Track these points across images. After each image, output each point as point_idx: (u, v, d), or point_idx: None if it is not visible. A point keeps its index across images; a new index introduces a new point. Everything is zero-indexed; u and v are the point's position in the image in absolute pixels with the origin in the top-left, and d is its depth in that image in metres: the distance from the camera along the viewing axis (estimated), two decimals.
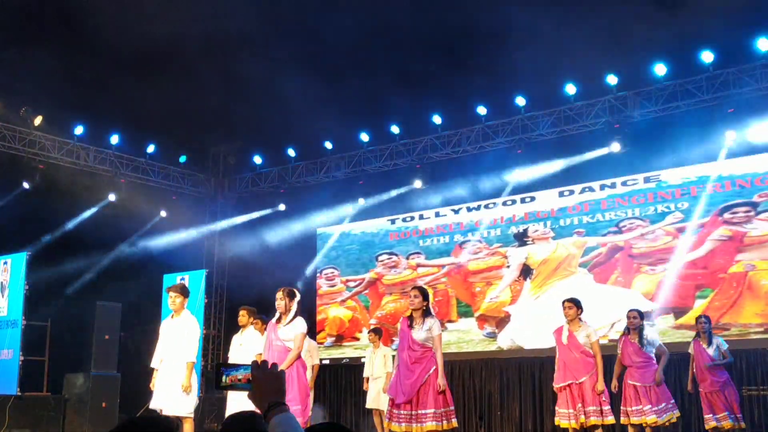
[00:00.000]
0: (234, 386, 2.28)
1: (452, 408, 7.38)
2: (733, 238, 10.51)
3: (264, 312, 8.89)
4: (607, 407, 7.93)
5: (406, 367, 7.34)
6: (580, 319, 8.20)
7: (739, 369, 9.94)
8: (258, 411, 2.20)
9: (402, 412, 7.22)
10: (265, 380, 2.20)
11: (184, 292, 7.98)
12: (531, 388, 11.63)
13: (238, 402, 7.98)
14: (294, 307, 7.30)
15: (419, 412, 7.17)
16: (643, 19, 10.01)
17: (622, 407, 8.51)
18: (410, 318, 7.54)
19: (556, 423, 8.28)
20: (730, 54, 10.64)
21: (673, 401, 8.48)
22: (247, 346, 8.98)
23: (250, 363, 2.28)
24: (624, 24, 10.11)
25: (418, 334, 7.38)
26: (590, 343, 8.04)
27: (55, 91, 11.94)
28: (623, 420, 8.53)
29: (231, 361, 9.25)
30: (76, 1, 10.56)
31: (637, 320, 8.58)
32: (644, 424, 8.33)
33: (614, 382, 8.57)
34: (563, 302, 8.38)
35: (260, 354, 8.83)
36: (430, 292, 12.93)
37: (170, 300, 7.94)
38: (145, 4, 10.81)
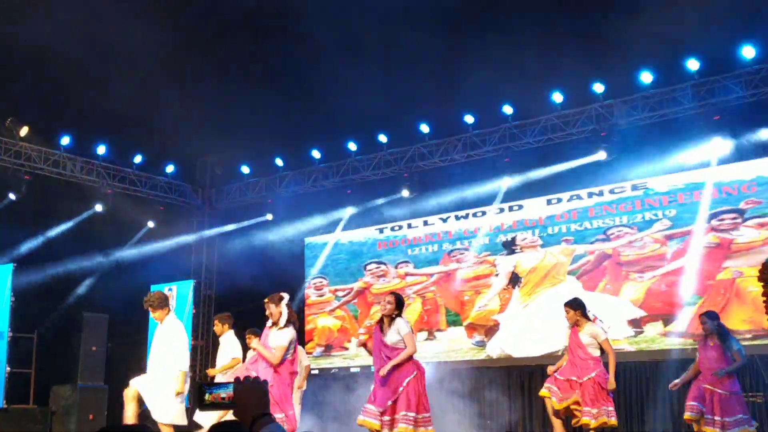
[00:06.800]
0: (217, 405, 2.26)
1: (428, 414, 7.26)
2: (720, 245, 10.54)
3: (252, 322, 8.88)
4: (611, 407, 7.70)
5: (382, 375, 7.23)
6: (586, 319, 8.02)
7: None
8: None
9: (385, 418, 7.16)
10: (248, 394, 2.19)
11: (157, 304, 7.95)
12: (520, 396, 11.61)
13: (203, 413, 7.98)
14: (284, 309, 7.18)
15: (394, 417, 7.10)
16: (628, 27, 10.05)
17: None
18: (381, 322, 7.48)
19: (540, 393, 8.10)
20: (715, 62, 10.70)
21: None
22: (223, 348, 9.10)
23: (232, 381, 2.27)
24: (609, 32, 10.16)
25: (390, 336, 7.31)
26: (598, 342, 7.90)
27: (41, 102, 11.90)
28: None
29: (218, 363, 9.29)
30: None
31: (706, 325, 8.03)
32: None
33: (678, 383, 8.32)
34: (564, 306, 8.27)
35: (236, 358, 8.85)
36: (419, 301, 12.97)
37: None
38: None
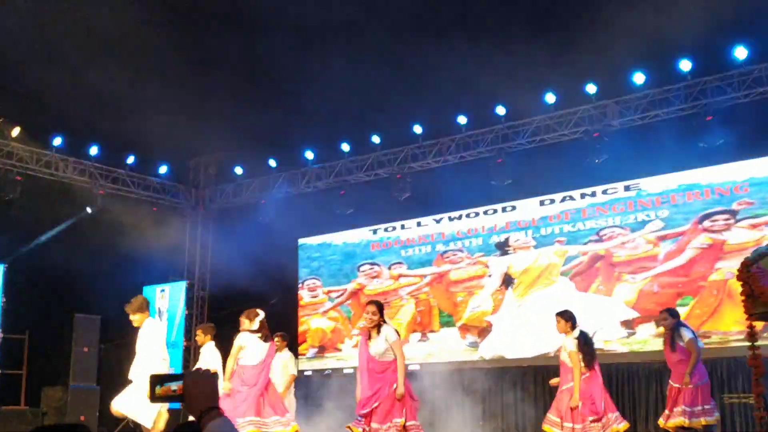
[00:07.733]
0: (167, 397, 2.25)
1: (417, 423, 7.15)
2: (713, 246, 10.53)
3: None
4: (590, 426, 7.53)
5: (369, 382, 7.14)
6: (573, 330, 7.97)
7: (719, 376, 9.96)
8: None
9: (366, 427, 7.06)
10: (196, 387, 2.19)
11: (136, 308, 8.09)
12: (513, 397, 11.59)
13: None
14: (255, 326, 7.40)
15: (379, 426, 6.96)
16: (621, 28, 10.05)
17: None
18: (368, 335, 7.37)
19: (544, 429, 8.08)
20: (708, 63, 10.70)
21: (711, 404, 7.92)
22: (203, 359, 9.10)
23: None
24: (601, 33, 10.15)
25: (375, 347, 7.13)
26: (567, 355, 7.85)
27: (33, 102, 11.86)
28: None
29: None
30: None
31: (667, 321, 8.15)
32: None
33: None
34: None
35: (215, 369, 8.85)
36: (412, 302, 12.95)
37: None
38: None
